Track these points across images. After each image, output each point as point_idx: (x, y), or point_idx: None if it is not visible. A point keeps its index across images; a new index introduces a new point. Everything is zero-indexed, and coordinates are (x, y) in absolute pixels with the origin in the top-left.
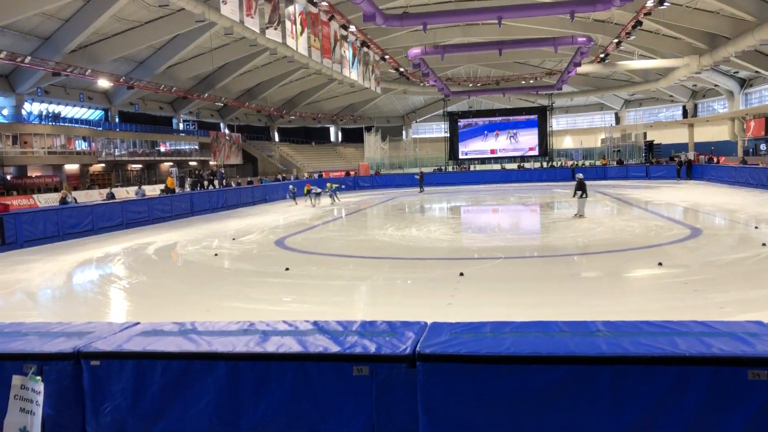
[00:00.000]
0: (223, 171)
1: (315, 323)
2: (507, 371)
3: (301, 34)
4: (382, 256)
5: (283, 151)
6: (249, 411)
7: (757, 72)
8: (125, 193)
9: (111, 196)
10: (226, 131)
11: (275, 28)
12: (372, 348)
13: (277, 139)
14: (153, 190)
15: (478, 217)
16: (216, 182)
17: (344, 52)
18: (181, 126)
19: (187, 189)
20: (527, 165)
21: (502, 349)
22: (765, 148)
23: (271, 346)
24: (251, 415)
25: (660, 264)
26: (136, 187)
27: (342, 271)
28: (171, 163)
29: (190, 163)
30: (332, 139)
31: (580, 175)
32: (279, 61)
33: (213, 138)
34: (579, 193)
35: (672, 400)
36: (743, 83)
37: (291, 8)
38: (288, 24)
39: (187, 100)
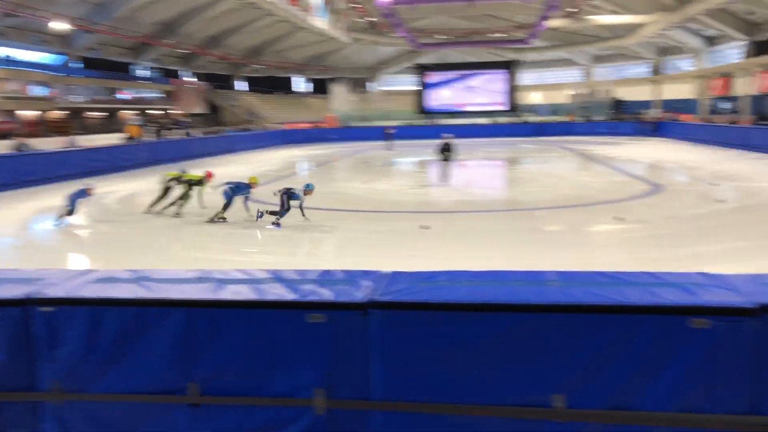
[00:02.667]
0: (187, 121)
1: (272, 272)
2: (460, 318)
3: None
4: (348, 208)
5: (248, 101)
6: (204, 358)
7: (722, 31)
8: (86, 142)
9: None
10: (190, 79)
11: None
12: (328, 296)
13: (242, 88)
14: (110, 139)
15: (442, 172)
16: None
17: None
18: (145, 73)
19: (152, 137)
20: (498, 119)
21: (456, 297)
22: (728, 106)
23: (226, 294)
24: (206, 363)
25: (621, 219)
26: (68, 138)
27: (309, 223)
28: (134, 112)
29: (153, 112)
30: (299, 89)
31: (449, 135)
32: (244, 7)
33: (176, 86)
34: (445, 155)
35: (620, 348)
36: (709, 41)
37: None
38: None
39: (150, 47)
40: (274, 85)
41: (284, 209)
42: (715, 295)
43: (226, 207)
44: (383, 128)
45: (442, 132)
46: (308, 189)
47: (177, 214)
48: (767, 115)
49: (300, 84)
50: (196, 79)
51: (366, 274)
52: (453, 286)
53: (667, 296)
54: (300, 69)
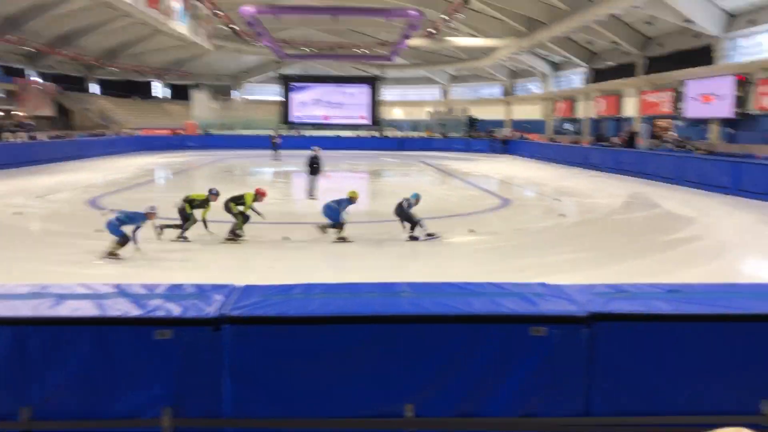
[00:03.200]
0: (32, 123)
1: (117, 286)
2: (313, 331)
3: None
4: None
5: (102, 105)
6: (39, 379)
7: (566, 57)
8: None
9: None
10: (37, 79)
11: None
12: (176, 311)
13: (96, 91)
14: None
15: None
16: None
17: (172, 3)
18: None
19: None
20: (361, 133)
21: (309, 309)
22: (570, 127)
23: (64, 311)
24: (42, 384)
25: (472, 231)
26: None
27: (161, 235)
28: None
29: None
30: (158, 94)
31: (315, 148)
32: (98, 7)
33: (21, 86)
34: (313, 168)
35: (465, 356)
36: (555, 67)
37: None
38: None
39: None
40: (132, 90)
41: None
42: (552, 305)
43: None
44: (269, 137)
45: (311, 145)
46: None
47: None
48: (604, 137)
49: (159, 89)
50: (41, 80)
51: (217, 287)
52: (307, 299)
53: (510, 306)
54: (159, 74)
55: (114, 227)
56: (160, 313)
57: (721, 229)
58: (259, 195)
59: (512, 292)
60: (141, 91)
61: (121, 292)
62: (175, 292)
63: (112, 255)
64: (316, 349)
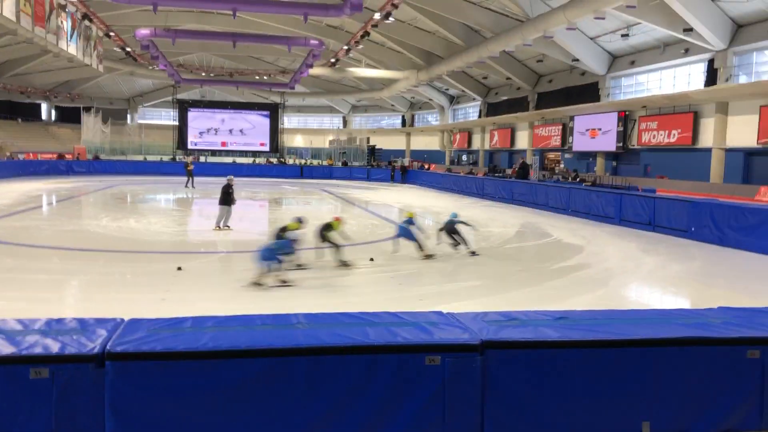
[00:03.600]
0: None
1: None
2: (204, 366)
3: None
4: (94, 248)
5: None
6: None
7: (463, 91)
8: None
9: None
10: None
11: None
12: (54, 348)
13: None
14: None
15: (203, 210)
16: None
17: (61, 22)
18: None
19: None
20: (259, 160)
21: (200, 344)
22: (466, 158)
23: None
24: None
25: (372, 260)
26: None
27: (47, 265)
28: None
29: None
30: (44, 117)
31: (230, 177)
32: None
33: None
34: (226, 197)
35: (362, 387)
36: (452, 100)
37: None
38: None
39: None
40: (16, 111)
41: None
42: (447, 333)
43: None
44: (184, 164)
45: (229, 173)
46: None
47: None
48: (498, 168)
49: (45, 111)
50: None
51: (101, 321)
52: (197, 332)
53: (406, 335)
54: (47, 95)
55: (269, 254)
56: (37, 350)
57: (606, 257)
58: (340, 222)
59: (408, 322)
60: (26, 113)
61: None
62: (55, 327)
63: (257, 284)
64: (207, 385)
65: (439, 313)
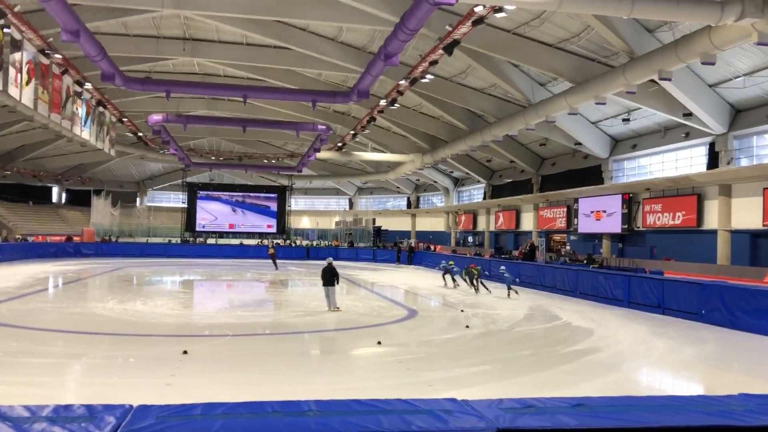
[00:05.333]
0: None
1: None
2: None
3: (27, 84)
4: (99, 331)
5: None
6: None
7: (467, 173)
8: None
9: None
10: None
11: None
12: None
13: None
14: None
15: (210, 292)
16: None
17: (77, 109)
18: None
19: None
20: (265, 242)
21: None
22: (472, 240)
23: None
24: None
25: (379, 343)
26: None
27: (51, 348)
28: None
29: None
30: (54, 199)
31: (329, 259)
32: None
33: None
34: (328, 279)
35: None
36: (456, 182)
37: (18, 55)
38: (12, 71)
39: None
40: (27, 194)
41: None
42: (462, 422)
43: None
44: (266, 247)
45: (328, 254)
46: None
47: None
48: (504, 249)
49: (56, 194)
50: None
51: (109, 408)
52: (208, 420)
53: (420, 424)
54: (58, 179)
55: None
56: None
57: (617, 341)
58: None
59: (422, 409)
60: (37, 195)
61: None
62: (61, 414)
63: None
64: None
65: (453, 400)
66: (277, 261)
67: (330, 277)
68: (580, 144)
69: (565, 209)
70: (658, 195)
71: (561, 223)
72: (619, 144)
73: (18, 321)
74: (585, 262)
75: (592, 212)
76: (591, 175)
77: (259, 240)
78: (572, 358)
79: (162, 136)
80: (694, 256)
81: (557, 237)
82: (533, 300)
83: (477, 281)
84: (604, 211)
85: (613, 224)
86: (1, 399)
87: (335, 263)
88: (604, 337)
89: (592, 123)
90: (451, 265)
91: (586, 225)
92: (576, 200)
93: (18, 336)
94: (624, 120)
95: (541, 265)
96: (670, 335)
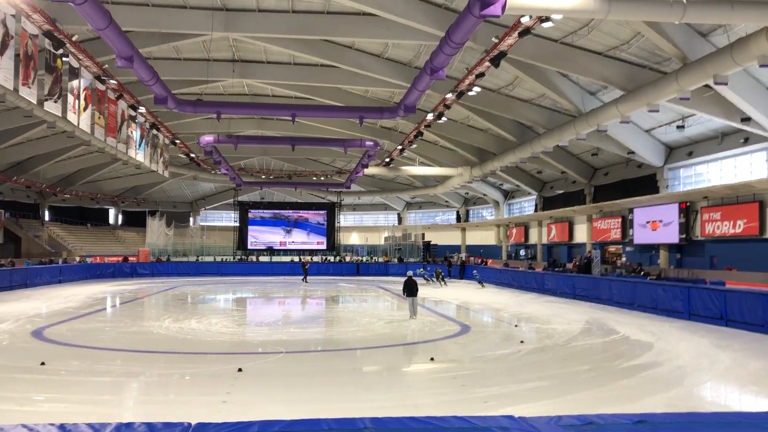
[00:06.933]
0: None
1: (61, 427)
2: None
3: (85, 109)
4: (156, 350)
5: (53, 232)
6: None
7: (517, 186)
8: None
9: None
10: None
11: (55, 101)
12: None
13: (47, 218)
14: None
15: (262, 310)
16: None
17: (131, 132)
18: None
19: None
20: (316, 258)
21: None
22: (524, 253)
23: None
24: None
25: (432, 359)
26: None
27: (110, 366)
28: None
29: None
30: (111, 221)
31: (410, 273)
32: (57, 136)
33: None
34: (411, 290)
35: None
36: (506, 194)
37: (75, 82)
38: (71, 98)
39: None
40: (85, 216)
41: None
42: None
43: None
44: (301, 263)
45: (410, 269)
46: None
47: None
48: (558, 262)
49: (112, 215)
50: None
51: (169, 426)
52: None
53: None
54: (114, 201)
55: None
56: None
57: (678, 354)
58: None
59: (479, 427)
60: (95, 217)
61: None
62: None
63: None
64: None
65: (511, 418)
66: (328, 277)
67: (411, 289)
68: (633, 153)
69: (620, 220)
70: (716, 203)
71: (616, 234)
72: (674, 152)
73: (79, 340)
74: (642, 273)
75: (647, 222)
76: (645, 184)
77: (299, 256)
78: (632, 372)
79: (214, 156)
80: (758, 266)
81: (612, 248)
82: (589, 313)
83: (442, 279)
84: (661, 221)
85: (670, 234)
86: (66, 416)
87: (385, 278)
88: (664, 351)
89: (646, 131)
90: (421, 272)
91: (642, 235)
92: (631, 210)
93: (79, 355)
94: (678, 127)
95: (596, 278)
96: (734, 348)
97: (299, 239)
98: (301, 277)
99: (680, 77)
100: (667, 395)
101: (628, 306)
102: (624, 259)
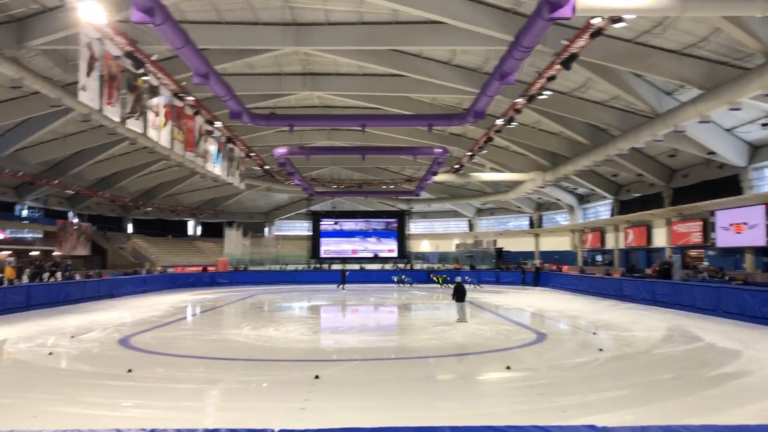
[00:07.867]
0: (68, 263)
1: None
2: None
3: (164, 125)
4: (236, 357)
5: (136, 244)
6: None
7: (592, 190)
8: None
9: None
10: (75, 220)
11: (137, 119)
12: None
13: (131, 230)
14: None
15: (336, 317)
16: (58, 274)
17: (208, 146)
18: (24, 212)
19: (26, 280)
20: (387, 266)
21: None
22: (600, 259)
23: None
24: None
25: (508, 368)
26: None
27: (192, 374)
28: (9, 252)
29: (32, 253)
30: (190, 232)
31: (458, 278)
32: (139, 151)
33: (59, 227)
34: (459, 295)
35: None
36: (581, 199)
37: (155, 100)
38: (151, 115)
39: (34, 186)
40: (166, 228)
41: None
42: None
43: None
44: (341, 271)
45: (456, 276)
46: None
47: None
48: (636, 268)
49: (191, 227)
50: (82, 221)
51: None
52: None
53: None
54: (193, 213)
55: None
56: None
57: None
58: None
59: None
60: (175, 229)
61: None
62: None
63: None
64: None
65: (592, 427)
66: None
67: (461, 294)
68: (713, 153)
69: (701, 223)
70: None
71: (697, 238)
72: (758, 151)
73: (162, 348)
74: (726, 278)
75: (731, 225)
76: (727, 185)
77: (342, 264)
78: (719, 381)
79: (287, 167)
80: None
81: (694, 253)
82: (670, 320)
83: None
84: (745, 224)
85: (756, 237)
86: (152, 422)
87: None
88: (754, 359)
89: (727, 130)
90: (404, 278)
91: (725, 239)
92: (712, 213)
93: (163, 362)
94: (763, 125)
95: (677, 283)
96: None
97: (370, 247)
98: (338, 285)
99: (764, 73)
100: (758, 406)
101: (712, 312)
102: (706, 263)
